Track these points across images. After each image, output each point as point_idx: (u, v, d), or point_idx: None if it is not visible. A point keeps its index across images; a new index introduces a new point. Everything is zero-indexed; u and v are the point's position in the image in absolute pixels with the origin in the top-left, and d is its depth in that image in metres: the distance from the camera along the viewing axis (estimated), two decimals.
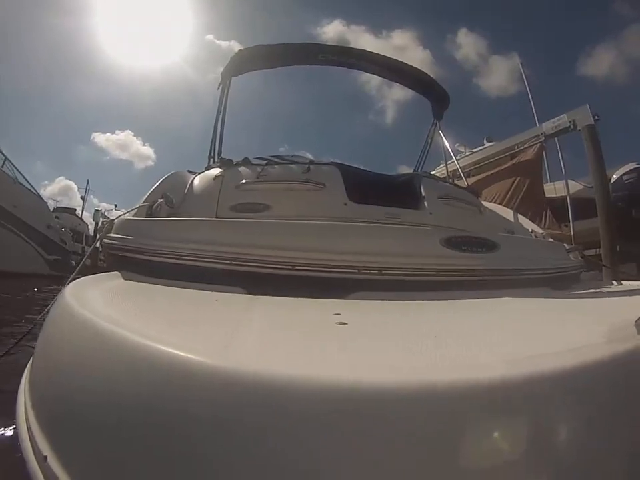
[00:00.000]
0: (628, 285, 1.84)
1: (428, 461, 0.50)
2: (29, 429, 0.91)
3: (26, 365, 1.18)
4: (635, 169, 7.82)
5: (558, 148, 5.93)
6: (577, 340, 0.70)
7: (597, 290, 1.63)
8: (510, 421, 0.53)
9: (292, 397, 0.53)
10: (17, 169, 9.41)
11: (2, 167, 8.64)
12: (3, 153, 9.04)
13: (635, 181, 7.68)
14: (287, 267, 1.25)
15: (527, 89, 10.82)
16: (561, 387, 0.56)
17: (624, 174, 7.84)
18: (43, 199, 11.07)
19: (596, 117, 5.12)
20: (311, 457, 0.52)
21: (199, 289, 1.16)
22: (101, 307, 1.02)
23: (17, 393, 1.09)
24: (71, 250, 12.00)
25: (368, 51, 2.90)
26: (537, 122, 8.94)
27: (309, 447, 0.52)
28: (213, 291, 1.15)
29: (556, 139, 5.78)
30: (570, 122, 5.38)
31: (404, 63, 2.92)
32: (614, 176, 7.77)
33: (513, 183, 5.62)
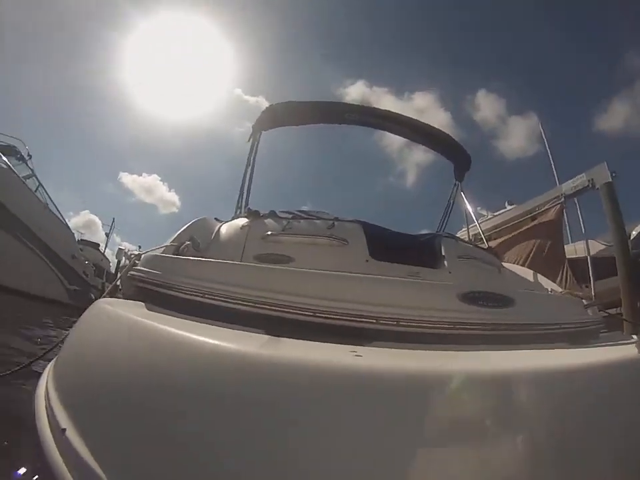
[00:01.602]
0: None
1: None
2: (48, 405, 0.99)
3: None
4: None
5: (577, 207, 5.91)
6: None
7: (616, 343, 1.59)
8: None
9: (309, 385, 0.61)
10: (49, 196, 9.77)
11: (35, 191, 9.00)
12: (37, 179, 9.42)
13: None
14: (307, 313, 1.27)
15: (547, 149, 10.98)
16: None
17: None
18: (70, 229, 11.32)
19: (613, 174, 5.16)
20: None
21: (220, 327, 1.20)
22: (127, 312, 1.15)
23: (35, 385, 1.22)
24: (92, 284, 12.09)
25: (392, 112, 3.00)
26: (557, 181, 9.04)
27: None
28: (233, 330, 1.19)
29: (575, 198, 5.78)
30: (589, 181, 5.43)
31: (426, 124, 3.01)
32: (633, 232, 7.70)
33: (534, 245, 5.58)
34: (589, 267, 5.36)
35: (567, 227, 6.58)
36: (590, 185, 5.42)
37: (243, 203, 2.62)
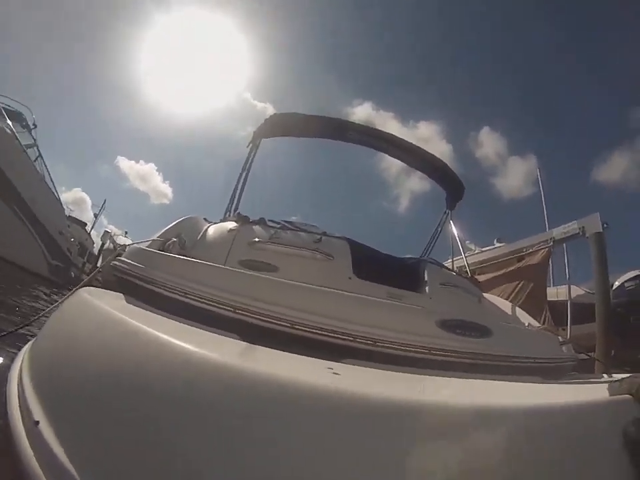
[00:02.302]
0: (619, 376, 1.82)
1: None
2: (21, 394, 0.98)
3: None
4: (636, 276, 8.01)
5: (565, 252, 6.02)
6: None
7: (587, 381, 1.62)
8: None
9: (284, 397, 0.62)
10: (47, 169, 9.63)
11: (34, 161, 8.89)
12: (38, 149, 9.27)
13: (636, 287, 7.84)
14: (285, 324, 1.28)
15: (542, 194, 11.29)
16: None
17: (626, 281, 8.07)
18: (62, 205, 11.13)
19: (605, 225, 5.26)
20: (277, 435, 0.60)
21: (196, 327, 1.20)
22: (107, 304, 1.16)
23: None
24: (74, 262, 11.85)
25: (393, 135, 3.04)
26: (546, 224, 9.21)
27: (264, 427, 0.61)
28: (209, 332, 1.19)
29: (564, 244, 5.89)
30: (580, 229, 5.52)
31: (426, 151, 3.06)
32: (616, 282, 7.86)
33: (517, 285, 5.66)
34: (568, 311, 5.45)
35: (551, 271, 6.71)
36: (580, 233, 5.51)
37: (234, 207, 2.62)
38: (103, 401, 0.75)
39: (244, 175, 2.74)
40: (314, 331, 1.28)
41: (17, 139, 7.72)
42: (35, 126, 9.35)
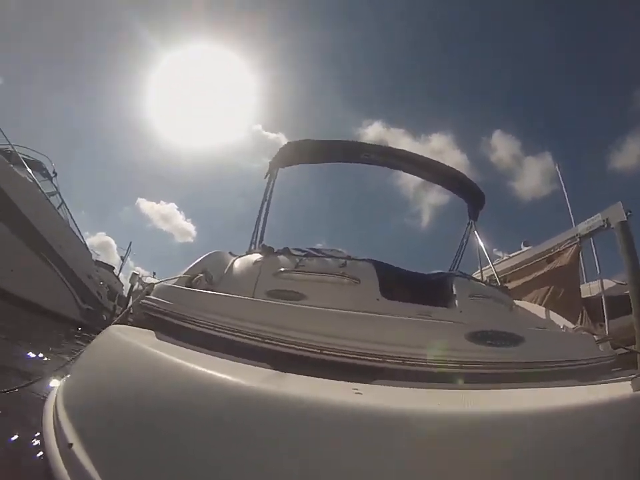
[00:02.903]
0: None
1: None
2: (56, 420, 1.03)
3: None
4: None
5: (592, 247, 5.86)
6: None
7: (627, 378, 1.57)
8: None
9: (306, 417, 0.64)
10: (71, 215, 9.98)
11: (58, 208, 9.22)
12: (60, 197, 9.60)
13: None
14: (314, 350, 1.29)
15: (564, 190, 11.03)
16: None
17: None
18: (89, 250, 11.49)
19: (629, 213, 5.14)
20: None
21: (227, 359, 1.23)
22: (137, 339, 1.20)
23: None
24: (104, 305, 12.10)
25: (408, 152, 3.04)
26: (572, 220, 8.99)
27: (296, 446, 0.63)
28: (239, 362, 1.21)
29: (591, 238, 5.73)
30: (604, 221, 5.41)
31: (441, 164, 3.05)
32: None
33: (549, 289, 5.53)
34: (603, 307, 5.26)
35: (583, 267, 6.51)
36: (605, 225, 5.40)
37: (258, 239, 2.65)
38: (131, 428, 0.79)
39: (265, 206, 2.78)
40: (342, 354, 1.29)
41: (39, 187, 7.99)
42: (55, 174, 9.72)
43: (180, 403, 0.77)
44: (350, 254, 2.25)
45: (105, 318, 11.02)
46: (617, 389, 1.23)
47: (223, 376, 0.76)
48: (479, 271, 3.36)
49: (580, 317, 5.17)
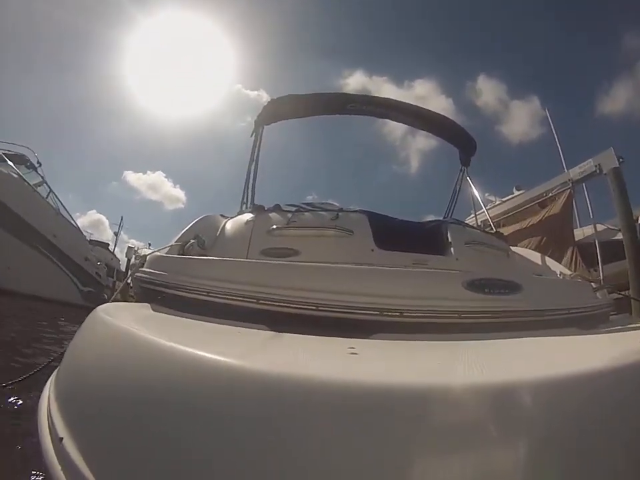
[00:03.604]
0: None
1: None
2: (49, 414, 0.99)
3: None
4: None
5: (585, 192, 5.89)
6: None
7: (626, 327, 1.57)
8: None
9: (292, 394, 0.59)
10: (60, 201, 9.94)
11: (47, 198, 9.17)
12: (48, 185, 9.56)
13: None
14: (310, 307, 1.27)
15: (554, 134, 10.95)
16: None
17: None
18: (82, 232, 11.53)
19: (620, 160, 5.18)
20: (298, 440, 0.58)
21: (224, 324, 1.22)
22: (126, 320, 1.12)
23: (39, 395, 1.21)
24: (104, 284, 12.26)
25: (395, 100, 2.97)
26: (564, 165, 8.98)
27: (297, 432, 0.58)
28: (237, 327, 1.20)
29: (583, 183, 5.75)
30: (596, 166, 5.47)
31: (430, 111, 2.99)
32: None
33: (543, 238, 5.57)
34: (597, 251, 5.33)
35: (575, 212, 6.56)
36: (597, 170, 5.44)
37: (248, 198, 2.62)
38: (120, 417, 0.75)
39: (253, 165, 2.73)
40: (339, 310, 1.27)
41: (25, 180, 7.96)
42: (40, 164, 9.63)
43: (166, 388, 0.72)
44: (342, 206, 2.22)
45: (106, 297, 11.21)
46: (627, 340, 1.22)
47: (214, 356, 0.70)
48: (473, 216, 3.36)
49: (574, 261, 5.24)
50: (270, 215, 2.12)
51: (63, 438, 0.83)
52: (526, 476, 0.53)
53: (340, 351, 0.94)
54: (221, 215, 2.46)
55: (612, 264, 5.57)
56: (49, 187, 9.60)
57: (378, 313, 1.27)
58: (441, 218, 2.94)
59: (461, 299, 1.34)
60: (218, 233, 2.20)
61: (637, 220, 6.63)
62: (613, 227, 6.97)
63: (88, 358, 1.06)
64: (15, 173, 7.61)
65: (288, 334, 1.10)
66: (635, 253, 5.09)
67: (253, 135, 2.80)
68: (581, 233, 6.42)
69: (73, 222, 10.49)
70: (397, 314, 1.27)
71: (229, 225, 2.24)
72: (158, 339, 0.82)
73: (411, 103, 3.01)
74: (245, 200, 2.66)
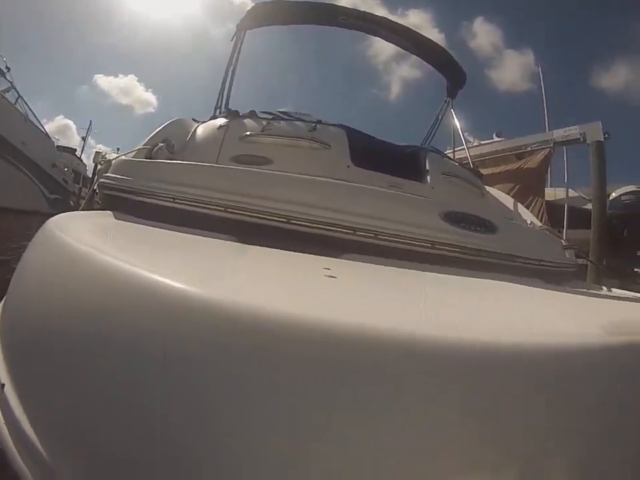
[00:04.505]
0: (614, 290, 1.71)
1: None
2: None
3: None
4: (634, 191, 8.23)
5: (565, 156, 6.00)
6: (572, 327, 0.69)
7: (589, 289, 1.60)
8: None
9: (268, 331, 0.52)
10: (29, 107, 9.49)
11: (15, 104, 8.67)
12: (17, 91, 9.09)
13: (633, 202, 8.05)
14: (281, 219, 1.23)
15: (543, 92, 10.89)
16: (552, 366, 0.55)
17: (623, 194, 8.29)
18: (50, 138, 11.08)
19: (606, 135, 5.31)
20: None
21: (190, 234, 1.17)
22: (81, 233, 0.98)
23: None
24: (71, 190, 12.12)
25: (389, 19, 2.84)
26: (546, 125, 9.05)
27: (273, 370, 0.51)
28: (204, 237, 1.16)
29: (564, 147, 5.85)
30: (580, 134, 5.58)
31: (424, 36, 2.89)
32: (613, 194, 8.09)
33: (515, 186, 5.69)
34: (564, 214, 5.57)
35: (549, 172, 6.71)
36: (581, 139, 5.57)
37: (223, 103, 2.48)
38: (68, 360, 0.65)
39: (230, 69, 2.58)
40: (312, 225, 1.22)
41: None
42: (9, 69, 9.12)
43: (116, 310, 0.61)
44: (320, 119, 2.13)
45: (72, 203, 11.09)
46: (595, 305, 1.19)
47: (181, 285, 0.60)
48: (451, 151, 3.34)
49: (541, 218, 5.44)
50: (244, 120, 2.04)
51: (4, 384, 0.74)
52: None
53: (315, 271, 0.90)
54: (193, 119, 2.36)
55: (575, 230, 5.83)
56: (17, 92, 9.13)
57: (351, 232, 1.24)
58: (419, 145, 2.89)
59: (436, 229, 1.32)
60: (188, 137, 2.11)
61: (608, 196, 6.91)
62: (584, 196, 7.23)
63: (34, 284, 0.91)
64: None
65: (257, 247, 1.07)
66: (600, 225, 5.40)
67: (234, 39, 2.63)
68: (553, 193, 6.61)
69: (41, 128, 10.12)
70: (372, 235, 1.24)
71: (200, 130, 2.15)
72: (115, 260, 0.70)
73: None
74: (219, 104, 2.54)
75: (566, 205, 5.66)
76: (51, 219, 1.11)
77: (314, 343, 0.51)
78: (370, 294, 0.84)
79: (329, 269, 0.89)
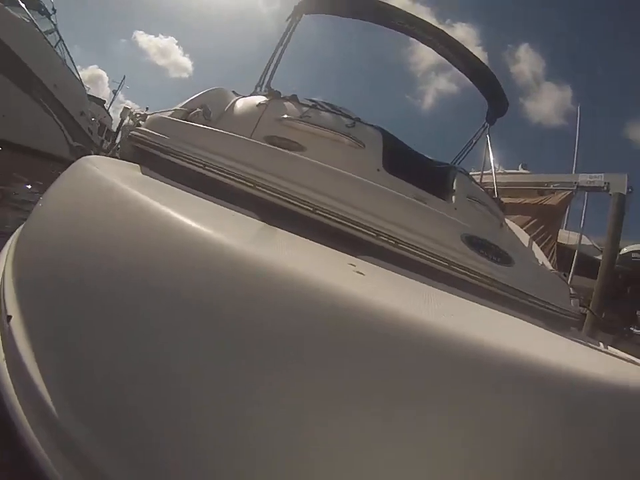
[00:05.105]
0: (610, 349, 1.68)
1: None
2: (2, 282, 0.86)
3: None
4: None
5: (585, 202, 6.00)
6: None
7: (587, 342, 1.55)
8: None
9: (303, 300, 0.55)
10: (68, 52, 9.49)
11: (55, 47, 8.70)
12: (59, 34, 9.12)
13: None
14: (307, 207, 1.22)
15: (577, 131, 10.86)
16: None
17: (634, 251, 8.28)
18: (83, 86, 11.10)
19: (630, 189, 5.30)
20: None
21: (214, 203, 1.16)
22: (116, 174, 0.99)
23: None
24: (94, 141, 12.21)
25: (447, 34, 2.83)
26: (574, 166, 9.07)
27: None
28: (226, 209, 1.15)
29: (586, 192, 5.85)
30: (605, 184, 5.57)
31: (477, 58, 2.88)
32: (624, 249, 8.00)
33: (531, 220, 5.66)
34: (573, 259, 5.57)
35: (567, 214, 6.71)
36: (605, 188, 5.55)
37: (266, 81, 2.47)
38: (83, 295, 0.63)
39: (280, 49, 2.58)
40: (336, 219, 1.21)
41: (37, 27, 7.58)
42: (55, 10, 9.07)
43: (162, 260, 0.60)
44: (359, 117, 2.11)
45: (92, 153, 11.19)
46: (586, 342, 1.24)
47: (208, 230, 0.60)
48: (478, 173, 3.31)
49: (550, 259, 5.44)
50: (284, 103, 2.03)
51: (11, 316, 0.72)
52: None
53: (342, 266, 0.89)
54: (233, 92, 2.36)
55: (579, 277, 5.82)
56: (59, 35, 9.19)
57: (374, 235, 1.22)
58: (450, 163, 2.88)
59: (456, 249, 1.30)
60: (226, 108, 2.11)
61: (620, 250, 6.90)
62: (596, 246, 7.20)
63: (58, 214, 0.89)
64: (27, 18, 7.18)
65: (279, 229, 1.06)
66: (606, 276, 5.39)
67: (289, 19, 2.62)
68: (566, 236, 6.59)
69: (76, 74, 10.14)
70: (392, 242, 1.23)
71: (240, 103, 2.15)
72: (153, 201, 0.68)
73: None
74: (261, 82, 2.54)
75: (577, 252, 5.64)
76: (83, 157, 1.13)
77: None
78: (400, 296, 0.84)
79: (354, 266, 0.89)
